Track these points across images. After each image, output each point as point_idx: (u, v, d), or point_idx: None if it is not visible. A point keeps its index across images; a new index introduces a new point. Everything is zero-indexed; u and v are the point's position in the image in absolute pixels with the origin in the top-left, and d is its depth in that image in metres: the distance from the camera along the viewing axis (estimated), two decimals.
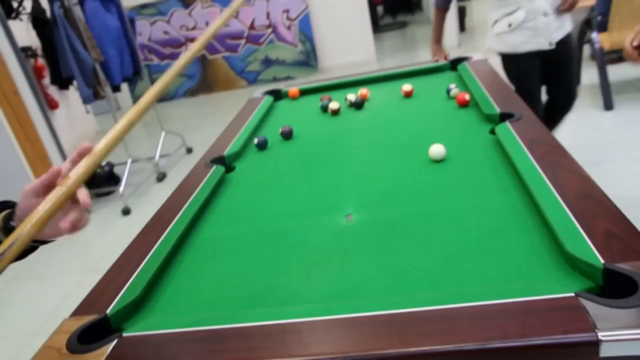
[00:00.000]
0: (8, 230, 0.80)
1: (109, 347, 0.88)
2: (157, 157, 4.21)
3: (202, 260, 1.18)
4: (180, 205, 1.40)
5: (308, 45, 6.35)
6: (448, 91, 1.88)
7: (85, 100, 3.42)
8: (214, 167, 1.63)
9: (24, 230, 0.72)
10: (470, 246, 0.99)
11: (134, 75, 4.00)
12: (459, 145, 1.47)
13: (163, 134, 4.45)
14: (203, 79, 6.87)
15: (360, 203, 1.27)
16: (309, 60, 6.45)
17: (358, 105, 2.01)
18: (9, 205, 0.85)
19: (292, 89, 2.39)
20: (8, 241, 0.71)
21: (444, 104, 1.84)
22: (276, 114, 2.23)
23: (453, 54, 2.44)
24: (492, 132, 1.47)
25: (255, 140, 1.81)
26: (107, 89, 3.46)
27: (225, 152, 1.76)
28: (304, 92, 2.40)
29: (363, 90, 2.10)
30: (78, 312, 1.03)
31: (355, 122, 1.89)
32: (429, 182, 1.30)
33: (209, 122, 5.54)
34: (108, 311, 0.99)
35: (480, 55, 2.27)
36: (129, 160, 3.97)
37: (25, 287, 2.98)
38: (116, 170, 4.09)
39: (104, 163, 4.09)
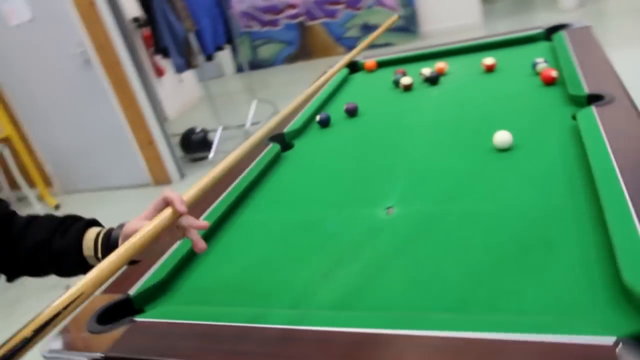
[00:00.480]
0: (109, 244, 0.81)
1: (120, 332, 0.89)
2: (247, 125, 4.30)
3: (233, 246, 1.16)
4: (227, 184, 1.39)
5: (409, 9, 6.05)
6: (534, 66, 1.65)
7: (178, 70, 3.55)
8: (270, 145, 1.60)
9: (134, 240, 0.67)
10: (513, 258, 0.85)
11: (227, 44, 4.07)
12: (532, 132, 1.28)
13: (255, 102, 4.53)
14: (302, 46, 6.86)
15: (406, 194, 1.17)
16: (409, 25, 6.15)
17: (432, 80, 1.84)
18: (94, 222, 0.86)
19: (369, 60, 2.26)
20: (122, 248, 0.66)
21: (528, 80, 1.62)
22: (349, 88, 2.14)
23: (568, 17, 2.13)
24: (575, 117, 1.26)
25: (317, 117, 1.74)
26: (200, 58, 3.56)
27: (286, 129, 1.71)
28: (381, 64, 2.27)
29: (440, 64, 1.93)
30: (109, 289, 1.06)
31: (426, 99, 1.74)
32: (486, 175, 1.16)
33: (305, 89, 5.54)
34: (132, 292, 1.00)
35: (585, 22, 1.96)
36: (220, 128, 4.10)
37: None
38: (210, 136, 4.26)
39: (198, 129, 4.27)
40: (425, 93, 1.81)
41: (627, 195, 0.86)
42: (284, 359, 0.73)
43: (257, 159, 1.52)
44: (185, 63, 3.51)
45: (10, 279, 0.84)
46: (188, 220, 0.75)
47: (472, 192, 1.10)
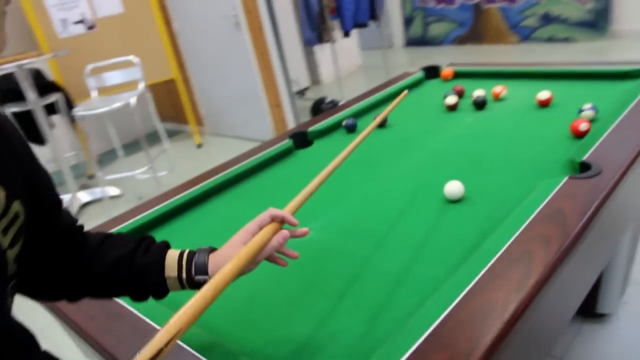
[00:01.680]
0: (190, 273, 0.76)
1: None
2: None
3: (180, 234, 1.33)
4: (222, 169, 1.56)
5: (601, 2, 5.28)
6: (579, 112, 1.45)
7: (307, 43, 3.74)
8: (286, 140, 1.71)
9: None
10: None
11: (371, 20, 4.11)
12: (499, 188, 1.18)
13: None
14: (474, 28, 6.50)
15: (329, 227, 1.20)
16: (597, 20, 5.39)
17: (478, 105, 1.73)
18: (147, 238, 0.80)
19: (447, 69, 2.16)
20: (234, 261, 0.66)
21: (563, 128, 1.44)
22: (411, 94, 2.09)
23: None
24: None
25: (344, 122, 1.78)
26: (334, 34, 3.69)
27: (311, 128, 1.79)
28: (459, 75, 2.15)
29: (497, 88, 1.78)
30: None
31: (455, 125, 1.65)
32: (416, 229, 1.13)
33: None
34: None
35: None
36: (342, 100, 4.22)
37: None
38: None
39: (328, 99, 4.47)
40: (462, 117, 1.71)
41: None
42: None
43: (265, 151, 1.65)
44: (317, 37, 3.67)
45: (74, 299, 0.78)
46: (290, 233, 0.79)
47: (395, 247, 1.10)
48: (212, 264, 0.75)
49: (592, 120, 1.43)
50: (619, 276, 1.58)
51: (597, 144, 1.22)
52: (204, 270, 0.74)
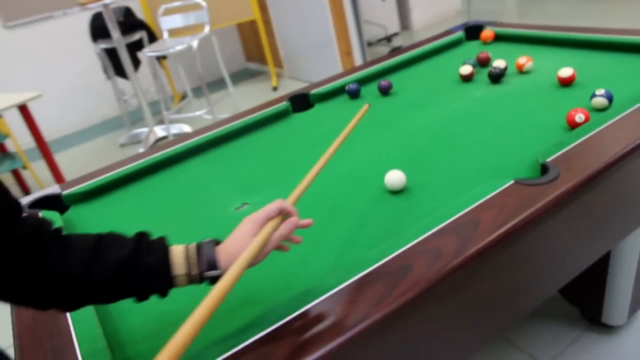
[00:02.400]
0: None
1: None
2: None
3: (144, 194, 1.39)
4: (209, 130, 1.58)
5: None
6: (591, 97, 1.24)
7: None
8: (284, 102, 1.67)
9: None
10: None
11: None
12: (441, 188, 1.07)
13: None
14: None
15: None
16: None
17: (493, 77, 1.54)
18: (145, 236, 0.75)
19: (487, 30, 1.93)
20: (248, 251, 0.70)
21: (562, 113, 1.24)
22: (439, 57, 1.91)
23: None
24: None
25: (347, 87, 1.69)
26: None
27: (314, 90, 1.73)
28: (501, 38, 1.91)
29: (522, 59, 1.56)
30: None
31: (458, 99, 1.49)
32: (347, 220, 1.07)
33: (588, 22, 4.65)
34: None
35: None
36: None
37: None
38: None
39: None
40: (472, 90, 1.54)
41: None
42: None
43: (261, 112, 1.63)
44: None
45: (72, 308, 0.71)
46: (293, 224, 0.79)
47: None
48: (223, 258, 0.73)
49: (601, 109, 1.21)
50: (626, 286, 1.38)
51: (577, 142, 1.05)
52: (214, 265, 0.73)
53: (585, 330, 1.55)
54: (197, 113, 3.84)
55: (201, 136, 1.55)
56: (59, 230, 0.70)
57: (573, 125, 1.16)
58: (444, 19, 5.88)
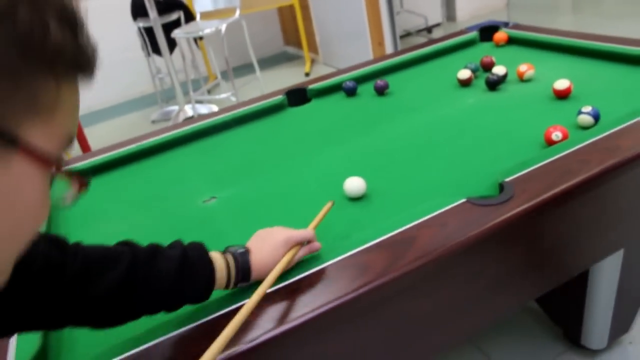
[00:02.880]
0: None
1: None
2: None
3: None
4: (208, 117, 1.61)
5: None
6: (578, 114, 1.19)
7: None
8: (281, 96, 1.68)
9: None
10: None
11: None
12: (399, 200, 1.06)
13: None
14: None
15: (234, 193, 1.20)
16: None
17: (490, 84, 1.48)
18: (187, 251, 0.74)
19: (500, 32, 1.86)
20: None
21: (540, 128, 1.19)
22: (448, 58, 1.86)
23: None
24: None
25: (344, 84, 1.68)
26: None
27: (312, 85, 1.73)
28: (515, 41, 1.84)
29: (522, 67, 1.50)
30: None
31: (449, 105, 1.45)
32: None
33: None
34: None
35: None
36: None
37: None
38: None
39: None
40: (466, 96, 1.49)
41: None
42: None
43: (257, 104, 1.65)
44: None
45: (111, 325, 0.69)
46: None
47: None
48: (255, 271, 0.79)
49: (585, 127, 1.16)
50: (605, 310, 1.32)
51: (544, 162, 1.01)
52: (247, 276, 0.78)
53: (565, 350, 1.51)
54: (223, 96, 3.90)
55: (194, 125, 1.58)
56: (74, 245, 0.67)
57: (550, 143, 1.12)
58: (491, 10, 5.68)
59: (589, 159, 0.99)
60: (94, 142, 3.49)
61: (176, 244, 0.76)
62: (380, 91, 1.62)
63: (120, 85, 5.11)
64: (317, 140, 1.41)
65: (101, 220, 1.21)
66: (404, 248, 0.84)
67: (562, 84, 1.33)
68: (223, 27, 3.43)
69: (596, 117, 1.15)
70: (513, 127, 1.25)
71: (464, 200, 0.94)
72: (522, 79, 1.51)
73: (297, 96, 1.71)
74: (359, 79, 1.74)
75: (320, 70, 4.86)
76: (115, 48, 4.95)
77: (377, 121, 1.45)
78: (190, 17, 4.47)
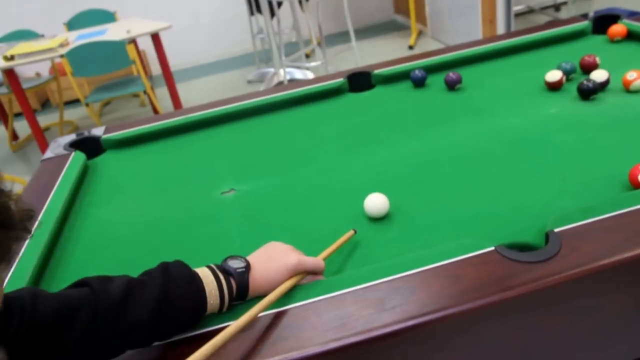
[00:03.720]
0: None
1: None
2: None
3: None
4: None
5: None
6: None
7: None
8: (339, 80, 1.53)
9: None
10: None
11: None
12: (420, 231, 0.89)
13: None
14: None
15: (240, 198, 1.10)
16: None
17: (583, 92, 1.22)
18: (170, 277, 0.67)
19: (617, 25, 1.53)
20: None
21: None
22: (542, 51, 1.58)
23: None
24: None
25: (412, 73, 1.48)
26: None
27: (378, 70, 1.55)
28: (634, 36, 1.51)
29: (631, 74, 1.20)
30: None
31: (524, 113, 1.22)
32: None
33: None
34: None
35: None
36: None
37: None
38: None
39: None
40: (549, 103, 1.24)
41: None
42: None
43: (314, 85, 1.52)
44: None
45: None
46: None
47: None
48: (252, 289, 0.71)
49: None
50: None
51: (615, 213, 0.78)
52: (244, 295, 0.71)
53: None
54: (313, 64, 3.78)
55: (245, 102, 1.49)
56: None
57: (635, 185, 0.87)
58: None
59: None
60: (191, 97, 3.58)
61: (156, 276, 0.66)
62: (452, 85, 1.41)
63: (224, 42, 5.19)
64: (362, 137, 1.25)
65: (121, 197, 1.18)
66: (396, 300, 0.69)
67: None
68: None
69: None
70: (595, 154, 1.01)
71: (492, 248, 0.75)
72: (628, 90, 1.22)
73: (361, 80, 1.55)
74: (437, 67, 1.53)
75: (427, 44, 4.55)
76: (223, 6, 5.02)
77: (435, 122, 1.26)
78: None
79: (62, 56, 2.97)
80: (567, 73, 1.31)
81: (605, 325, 0.78)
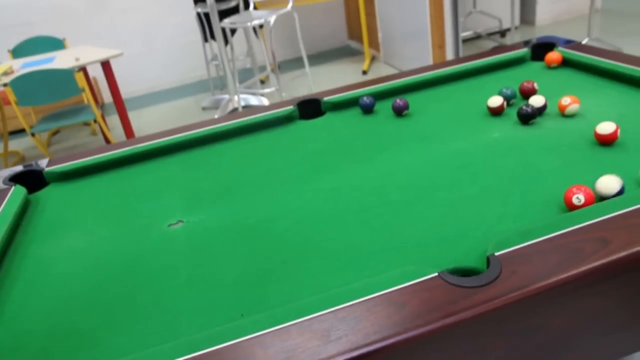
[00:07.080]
0: None
1: None
2: None
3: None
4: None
5: None
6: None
7: None
8: (289, 108, 1.54)
9: None
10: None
11: None
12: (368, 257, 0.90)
13: None
14: None
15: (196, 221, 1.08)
16: None
17: (522, 117, 1.27)
18: None
19: (553, 52, 1.61)
20: None
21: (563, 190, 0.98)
22: (483, 77, 1.64)
23: None
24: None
25: (360, 100, 1.51)
26: None
27: (328, 98, 1.58)
28: (569, 64, 1.59)
29: (565, 100, 1.27)
30: None
31: (468, 138, 1.26)
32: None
33: None
34: None
35: None
36: None
37: None
38: None
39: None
40: (491, 128, 1.29)
41: None
42: None
43: (265, 113, 1.52)
44: None
45: None
46: None
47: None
48: None
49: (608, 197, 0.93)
50: None
51: (551, 235, 0.81)
52: None
53: None
54: (267, 90, 3.80)
55: (195, 131, 1.48)
56: None
57: (570, 207, 0.91)
58: (576, 16, 5.22)
59: (609, 238, 0.78)
60: (144, 125, 3.52)
61: None
62: (399, 112, 1.44)
63: (177, 69, 5.16)
64: (311, 165, 1.26)
65: (63, 232, 1.14)
66: (342, 331, 0.68)
67: (606, 127, 1.10)
68: (272, 19, 3.32)
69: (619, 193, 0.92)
70: (534, 176, 1.05)
71: (435, 274, 0.76)
72: (563, 114, 1.28)
73: (311, 107, 1.56)
74: (388, 93, 1.56)
75: (380, 69, 4.65)
76: (176, 33, 5.01)
77: (383, 149, 1.28)
78: (248, 5, 4.41)
79: (5, 85, 2.88)
80: (508, 98, 1.37)
81: (548, 344, 0.80)
